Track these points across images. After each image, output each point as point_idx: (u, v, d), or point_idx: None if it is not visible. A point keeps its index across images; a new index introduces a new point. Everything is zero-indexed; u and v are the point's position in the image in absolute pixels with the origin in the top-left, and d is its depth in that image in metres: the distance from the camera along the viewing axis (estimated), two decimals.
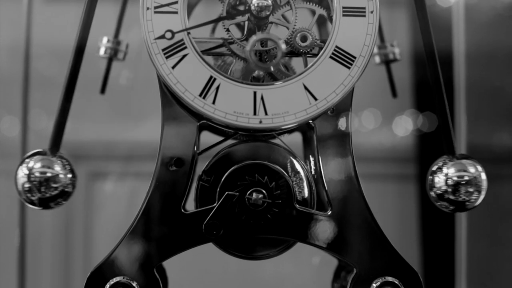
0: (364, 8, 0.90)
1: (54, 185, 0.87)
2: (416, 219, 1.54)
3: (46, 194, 0.87)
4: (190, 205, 0.91)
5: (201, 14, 1.09)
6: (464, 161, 0.90)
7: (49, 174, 0.87)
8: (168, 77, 0.87)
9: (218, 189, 0.89)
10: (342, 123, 0.92)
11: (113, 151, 1.51)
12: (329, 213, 0.90)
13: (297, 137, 1.05)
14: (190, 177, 0.90)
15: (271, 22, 0.91)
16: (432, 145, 1.52)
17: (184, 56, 0.87)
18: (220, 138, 0.95)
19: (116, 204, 1.51)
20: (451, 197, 0.89)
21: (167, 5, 0.88)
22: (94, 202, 1.55)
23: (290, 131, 0.94)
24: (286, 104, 0.87)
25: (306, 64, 0.91)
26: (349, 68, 0.89)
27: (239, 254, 0.92)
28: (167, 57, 0.87)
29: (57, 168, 0.88)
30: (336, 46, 0.89)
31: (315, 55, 0.91)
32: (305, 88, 0.88)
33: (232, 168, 0.89)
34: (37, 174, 0.87)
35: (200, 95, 0.87)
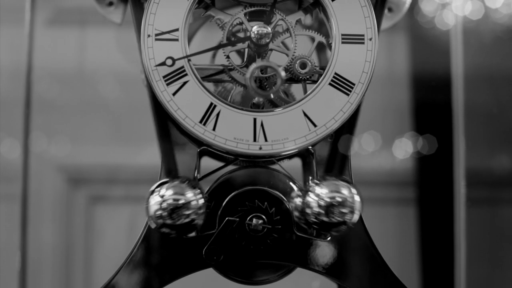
0: (363, 35, 0.90)
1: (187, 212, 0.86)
2: (416, 243, 1.54)
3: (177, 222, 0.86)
4: None
5: (202, 40, 1.10)
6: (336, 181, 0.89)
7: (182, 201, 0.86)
8: (168, 104, 0.88)
9: (218, 215, 0.90)
10: (341, 147, 0.92)
11: (115, 175, 1.51)
12: (328, 239, 0.91)
13: (296, 160, 1.05)
14: None
15: (271, 49, 0.92)
16: (432, 168, 1.52)
17: (185, 83, 0.88)
18: (220, 164, 0.96)
19: (117, 229, 1.51)
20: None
21: (168, 32, 0.89)
22: (95, 226, 1.55)
23: (289, 156, 0.95)
24: (285, 131, 0.88)
25: (305, 91, 0.92)
26: (348, 94, 0.89)
27: (240, 279, 0.93)
28: (167, 84, 0.88)
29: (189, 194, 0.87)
30: (335, 73, 0.90)
31: (314, 82, 0.91)
32: (305, 114, 0.89)
33: (232, 193, 0.90)
34: (170, 201, 0.86)
35: (200, 122, 0.88)
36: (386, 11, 1.05)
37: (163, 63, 0.88)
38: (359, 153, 1.55)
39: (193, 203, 0.86)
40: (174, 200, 0.86)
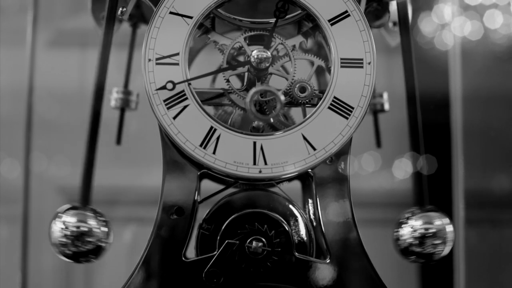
0: (362, 59, 0.91)
1: (89, 239, 0.87)
2: (415, 265, 1.54)
3: (81, 248, 0.88)
4: (191, 253, 0.92)
5: (202, 63, 1.11)
6: (431, 213, 0.91)
7: (84, 229, 0.88)
8: (169, 128, 0.88)
9: (218, 237, 0.90)
10: (340, 168, 0.93)
11: (116, 196, 1.51)
12: (327, 261, 0.91)
13: (296, 182, 1.06)
14: (190, 225, 0.91)
15: (271, 73, 0.93)
16: (432, 189, 1.52)
17: (185, 107, 0.89)
18: (220, 186, 0.97)
19: (118, 251, 1.51)
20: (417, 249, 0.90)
21: (169, 56, 0.90)
22: None
23: (289, 179, 0.95)
24: (285, 154, 0.89)
25: (305, 114, 0.93)
26: (347, 118, 0.90)
27: None
28: (168, 108, 0.89)
29: (91, 222, 0.88)
30: (335, 97, 0.90)
31: (314, 105, 0.92)
32: (304, 138, 0.89)
33: (232, 216, 0.90)
34: (72, 229, 0.87)
35: (200, 145, 0.88)
36: (391, 25, 1.06)
37: (164, 87, 0.89)
38: (359, 173, 1.56)
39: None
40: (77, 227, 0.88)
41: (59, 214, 0.89)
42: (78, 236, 0.87)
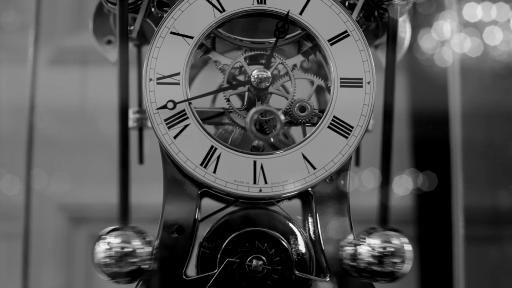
0: (361, 79, 0.92)
1: (132, 260, 0.88)
2: (415, 282, 1.54)
3: (123, 269, 0.88)
4: (191, 271, 0.92)
5: (202, 82, 1.11)
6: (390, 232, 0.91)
7: (128, 249, 0.88)
8: (170, 147, 0.89)
9: (218, 256, 0.91)
10: (340, 185, 0.93)
11: (115, 213, 1.51)
12: (327, 279, 0.92)
13: (296, 199, 1.06)
14: (191, 243, 0.91)
15: (271, 93, 0.94)
16: (431, 206, 1.53)
17: (186, 126, 0.89)
18: (221, 205, 0.97)
19: None
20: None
21: (169, 76, 0.90)
22: None
23: (289, 198, 0.96)
24: (285, 173, 0.89)
25: (305, 134, 0.94)
26: (346, 137, 0.90)
27: None
28: (169, 127, 0.89)
29: (136, 242, 0.88)
30: (334, 116, 0.91)
31: (314, 125, 0.93)
32: (304, 157, 0.90)
33: (233, 235, 0.91)
34: (117, 249, 0.88)
35: (201, 165, 0.89)
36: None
37: (164, 106, 0.89)
38: (359, 190, 1.56)
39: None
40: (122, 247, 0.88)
41: (103, 236, 0.89)
42: (122, 257, 0.87)
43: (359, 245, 0.90)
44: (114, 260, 0.87)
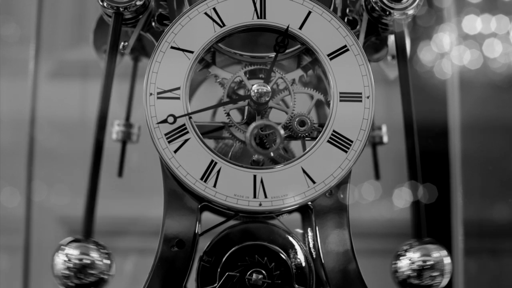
0: (361, 93, 0.92)
1: (92, 272, 0.87)
2: None
3: (83, 281, 0.87)
4: (191, 285, 0.93)
5: (202, 96, 1.12)
6: (428, 245, 0.91)
7: (86, 261, 0.87)
8: (170, 161, 0.89)
9: (218, 270, 0.91)
10: (340, 198, 0.93)
11: (117, 227, 1.52)
12: None
13: (296, 213, 1.06)
14: (191, 257, 0.92)
15: (271, 107, 0.94)
16: (431, 218, 1.52)
17: (186, 140, 0.90)
18: (221, 219, 0.97)
19: (119, 282, 1.51)
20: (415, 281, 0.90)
21: (170, 90, 0.91)
22: None
23: (289, 211, 0.96)
24: (285, 187, 0.89)
25: (304, 148, 0.94)
26: (346, 152, 0.91)
27: None
28: (169, 142, 0.90)
29: (94, 254, 0.88)
30: (334, 131, 0.91)
31: (313, 139, 0.93)
32: (304, 171, 0.90)
33: (233, 249, 0.91)
34: (75, 261, 0.87)
35: (201, 179, 0.89)
36: (389, 58, 1.07)
37: (165, 121, 0.90)
38: (359, 203, 1.56)
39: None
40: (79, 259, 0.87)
41: (62, 247, 0.89)
42: (81, 269, 0.87)
43: (399, 259, 0.91)
44: (73, 272, 0.87)
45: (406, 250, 0.91)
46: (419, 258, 0.89)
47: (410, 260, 0.90)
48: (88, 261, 0.87)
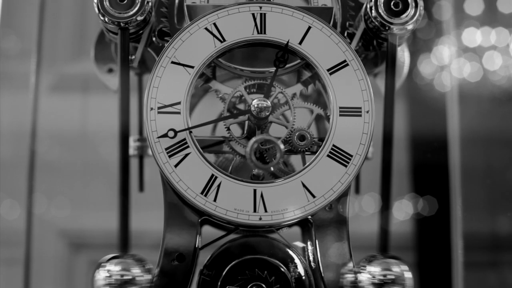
0: (360, 108, 0.93)
1: None
2: None
3: None
4: None
5: (203, 111, 1.12)
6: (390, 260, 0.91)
7: (128, 277, 0.88)
8: (171, 175, 0.90)
9: (219, 283, 0.91)
10: (340, 211, 0.94)
11: (115, 239, 1.51)
12: None
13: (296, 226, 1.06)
14: (191, 271, 0.92)
15: (271, 122, 0.94)
16: (431, 231, 1.52)
17: (187, 155, 0.90)
18: (221, 232, 0.97)
19: None
20: None
21: (170, 105, 0.91)
22: None
23: (289, 225, 0.96)
24: (285, 202, 0.90)
25: (304, 162, 0.94)
26: (346, 166, 0.91)
27: None
28: (170, 156, 0.90)
29: (135, 270, 0.89)
30: (333, 145, 0.91)
31: (313, 153, 0.93)
32: (304, 186, 0.90)
33: (233, 262, 0.91)
34: (117, 277, 0.88)
35: (201, 193, 0.89)
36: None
37: (165, 135, 0.90)
38: (359, 215, 1.56)
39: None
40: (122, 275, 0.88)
41: (103, 264, 0.89)
42: (122, 284, 0.88)
43: (360, 272, 0.90)
44: None
45: (367, 264, 0.91)
46: (380, 273, 0.89)
47: (370, 274, 0.90)
48: (130, 277, 0.88)
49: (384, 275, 0.89)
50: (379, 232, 0.94)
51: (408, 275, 0.90)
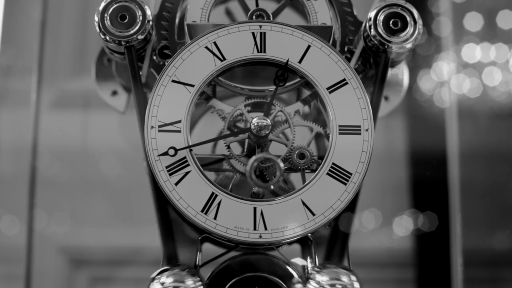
0: (360, 126, 0.93)
1: None
2: None
3: None
4: None
5: (203, 128, 1.12)
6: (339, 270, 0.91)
7: None
8: (171, 194, 0.90)
9: None
10: (341, 229, 0.94)
11: (117, 256, 1.52)
12: None
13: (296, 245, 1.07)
14: None
15: (271, 140, 0.95)
16: (431, 247, 1.52)
17: (187, 173, 0.90)
18: (221, 250, 0.98)
19: None
20: None
21: (171, 124, 0.92)
22: None
23: (289, 243, 0.97)
24: (285, 219, 0.90)
25: (304, 180, 0.95)
26: (345, 184, 0.91)
27: None
28: (170, 174, 0.90)
29: (188, 282, 0.89)
30: (333, 163, 0.92)
31: (313, 171, 0.94)
32: (303, 204, 0.91)
33: (233, 280, 0.92)
34: None
35: (202, 211, 0.90)
36: (382, 100, 1.08)
37: (166, 153, 0.91)
38: (359, 231, 1.56)
39: None
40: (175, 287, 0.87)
41: (157, 277, 0.89)
42: None
43: (308, 280, 0.91)
44: None
45: (315, 273, 0.91)
46: (328, 282, 0.89)
47: (318, 284, 0.90)
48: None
49: (333, 285, 0.89)
50: (329, 238, 0.95)
51: (357, 285, 0.90)
